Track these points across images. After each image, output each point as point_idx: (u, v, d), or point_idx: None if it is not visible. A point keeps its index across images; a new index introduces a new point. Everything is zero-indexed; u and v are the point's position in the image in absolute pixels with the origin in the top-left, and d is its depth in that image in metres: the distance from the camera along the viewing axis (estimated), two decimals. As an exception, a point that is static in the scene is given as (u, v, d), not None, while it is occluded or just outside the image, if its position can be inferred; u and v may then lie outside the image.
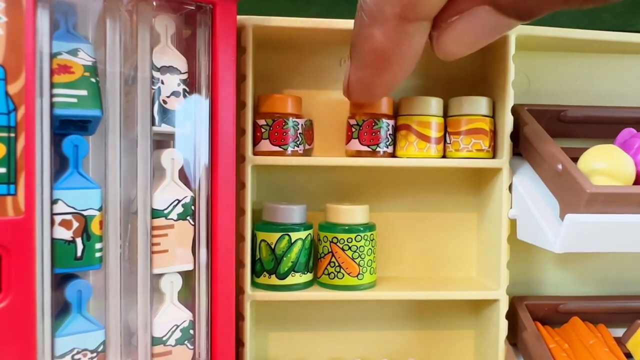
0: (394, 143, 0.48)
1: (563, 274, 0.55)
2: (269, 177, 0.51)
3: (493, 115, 0.49)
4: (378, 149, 0.47)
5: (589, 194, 0.38)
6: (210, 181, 0.39)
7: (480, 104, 0.48)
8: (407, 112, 0.48)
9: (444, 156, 0.49)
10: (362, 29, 0.33)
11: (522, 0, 0.30)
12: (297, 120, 0.47)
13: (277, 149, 0.46)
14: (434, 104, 0.48)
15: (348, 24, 0.45)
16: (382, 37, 0.33)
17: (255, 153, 0.47)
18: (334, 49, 0.51)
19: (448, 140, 0.48)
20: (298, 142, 0.47)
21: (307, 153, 0.49)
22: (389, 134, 0.47)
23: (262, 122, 0.47)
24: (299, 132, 0.47)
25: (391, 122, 0.48)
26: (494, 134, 0.48)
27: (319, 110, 0.51)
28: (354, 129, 0.47)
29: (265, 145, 0.46)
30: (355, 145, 0.47)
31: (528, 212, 0.45)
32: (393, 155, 0.48)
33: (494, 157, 0.49)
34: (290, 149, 0.47)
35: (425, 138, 0.47)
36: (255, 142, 0.47)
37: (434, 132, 0.47)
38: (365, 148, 0.47)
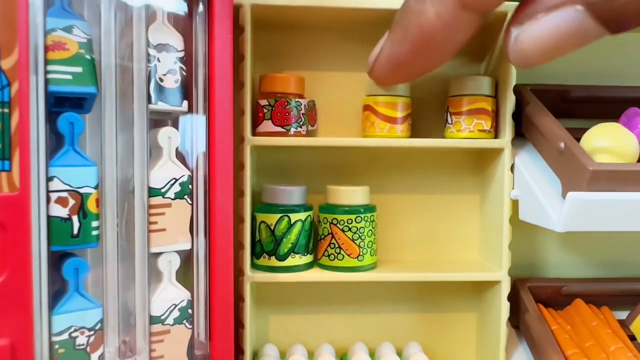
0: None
1: (566, 256, 0.54)
2: (269, 159, 0.51)
3: (495, 95, 0.48)
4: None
5: (591, 171, 0.38)
6: (207, 160, 0.39)
7: (482, 84, 0.47)
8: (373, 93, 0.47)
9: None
10: (417, 3, 0.33)
11: (622, 6, 0.27)
12: (299, 100, 0.47)
13: (279, 129, 0.46)
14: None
15: (349, 2, 0.45)
16: (434, 15, 0.32)
17: (257, 134, 0.46)
18: (335, 28, 0.50)
19: (449, 121, 0.48)
20: (301, 123, 0.46)
21: (310, 134, 0.49)
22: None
23: (264, 102, 0.46)
24: (301, 112, 0.47)
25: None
26: (496, 115, 0.48)
27: (320, 91, 0.51)
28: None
29: (267, 125, 0.46)
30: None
31: (530, 192, 0.44)
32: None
33: (496, 137, 0.48)
34: (293, 130, 0.46)
35: (388, 119, 0.47)
36: (258, 123, 0.47)
37: (399, 113, 0.47)
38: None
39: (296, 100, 0.46)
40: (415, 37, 0.34)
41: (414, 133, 0.50)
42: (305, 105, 0.47)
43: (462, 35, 0.34)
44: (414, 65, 0.37)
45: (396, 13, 0.36)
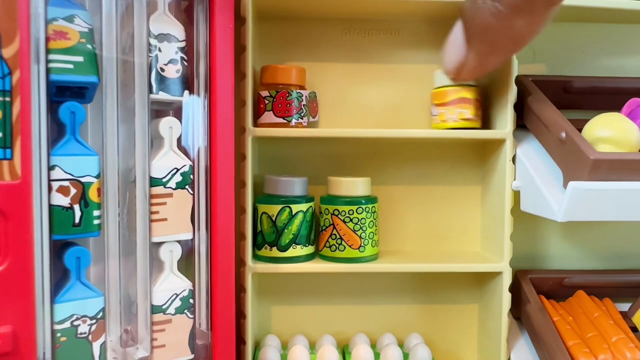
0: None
1: (568, 247, 0.54)
2: (271, 150, 0.51)
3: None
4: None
5: (592, 160, 0.38)
6: (209, 151, 0.39)
7: None
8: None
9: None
10: (500, 21, 0.34)
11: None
12: (301, 91, 0.47)
13: (280, 120, 0.46)
14: None
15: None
16: (526, 25, 0.33)
17: (258, 125, 0.46)
18: (337, 20, 0.50)
19: (434, 113, 0.48)
20: (302, 114, 0.46)
21: (311, 125, 0.49)
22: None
23: (265, 93, 0.46)
24: (302, 103, 0.47)
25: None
26: (480, 103, 0.48)
27: (322, 83, 0.51)
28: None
29: (268, 116, 0.46)
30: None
31: (532, 182, 0.44)
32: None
33: (484, 126, 0.48)
34: (294, 121, 0.46)
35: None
36: (259, 114, 0.47)
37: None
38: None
39: (297, 91, 0.46)
40: (510, 47, 0.36)
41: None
42: (306, 96, 0.47)
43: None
44: (504, 60, 0.39)
45: (468, 26, 0.36)
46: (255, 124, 0.46)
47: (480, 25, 0.35)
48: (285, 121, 0.46)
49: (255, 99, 0.46)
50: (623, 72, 0.53)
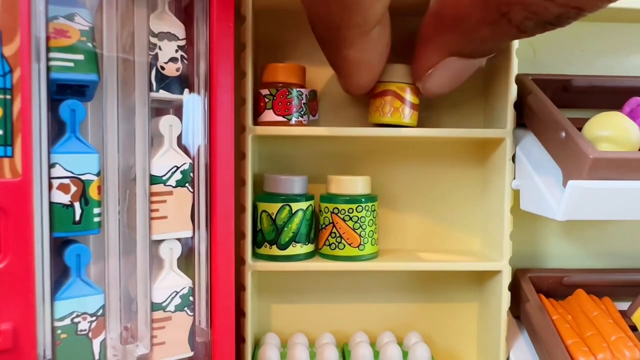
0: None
1: (568, 246, 0.54)
2: (271, 149, 0.51)
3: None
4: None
5: (591, 159, 0.38)
6: (209, 149, 0.39)
7: (392, 71, 0.46)
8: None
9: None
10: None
11: (480, 45, 0.39)
12: (301, 90, 0.47)
13: (280, 119, 0.46)
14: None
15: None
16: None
17: (258, 123, 0.47)
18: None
19: (371, 107, 0.48)
20: (302, 113, 0.47)
21: (312, 124, 0.49)
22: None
23: (265, 91, 0.46)
24: (302, 102, 0.47)
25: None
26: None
27: (322, 81, 0.51)
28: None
29: (269, 115, 0.46)
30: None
31: (531, 181, 0.44)
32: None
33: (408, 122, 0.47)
34: (294, 120, 0.46)
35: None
36: (259, 112, 0.47)
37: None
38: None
39: (297, 90, 0.46)
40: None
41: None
42: (306, 94, 0.47)
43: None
44: None
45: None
46: (256, 122, 0.47)
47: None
48: (285, 119, 0.46)
49: (255, 98, 0.47)
50: (623, 71, 0.53)
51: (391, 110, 0.46)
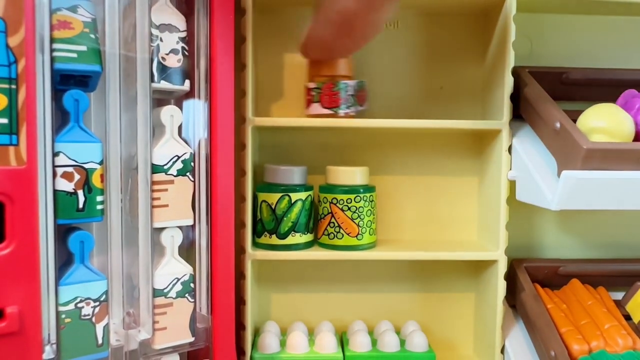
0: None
1: (563, 236, 0.55)
2: (271, 140, 0.52)
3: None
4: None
5: (585, 150, 0.38)
6: (209, 140, 0.40)
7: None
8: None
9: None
10: None
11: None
12: (347, 82, 0.47)
13: (328, 111, 0.47)
14: None
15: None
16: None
17: (307, 116, 0.47)
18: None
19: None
20: (349, 104, 0.47)
21: (360, 115, 0.48)
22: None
23: (312, 85, 0.47)
24: (349, 94, 0.47)
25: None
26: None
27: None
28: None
29: (316, 108, 0.47)
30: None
31: (527, 172, 0.45)
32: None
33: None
34: (342, 111, 0.47)
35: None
36: (307, 105, 0.48)
37: None
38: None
39: (343, 82, 0.47)
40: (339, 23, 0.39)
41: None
42: (353, 86, 0.47)
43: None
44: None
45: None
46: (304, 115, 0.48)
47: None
48: (332, 112, 0.47)
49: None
50: (619, 63, 0.53)
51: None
